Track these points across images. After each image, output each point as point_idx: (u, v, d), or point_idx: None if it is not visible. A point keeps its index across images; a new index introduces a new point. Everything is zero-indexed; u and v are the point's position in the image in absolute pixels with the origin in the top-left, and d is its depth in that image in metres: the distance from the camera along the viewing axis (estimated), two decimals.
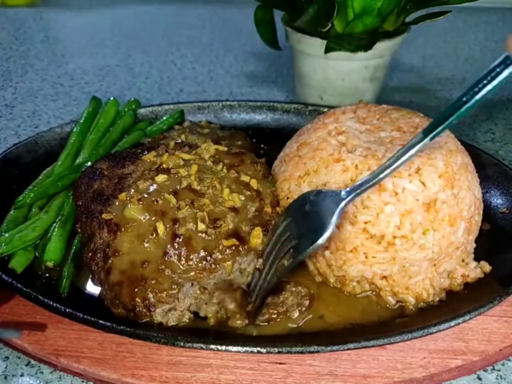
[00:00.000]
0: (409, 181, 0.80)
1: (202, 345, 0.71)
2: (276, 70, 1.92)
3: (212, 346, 0.71)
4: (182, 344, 0.71)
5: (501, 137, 1.46)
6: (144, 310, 0.75)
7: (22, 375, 0.76)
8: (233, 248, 0.79)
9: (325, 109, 1.24)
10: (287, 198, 0.91)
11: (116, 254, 0.78)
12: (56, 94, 1.73)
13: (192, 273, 0.77)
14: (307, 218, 0.77)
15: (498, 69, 0.62)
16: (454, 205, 0.82)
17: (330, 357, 0.75)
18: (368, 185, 0.74)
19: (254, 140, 1.24)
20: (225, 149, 0.99)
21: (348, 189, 0.76)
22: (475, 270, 0.87)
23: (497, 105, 1.65)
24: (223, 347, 0.71)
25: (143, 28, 2.45)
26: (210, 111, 1.33)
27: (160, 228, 0.78)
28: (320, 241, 0.71)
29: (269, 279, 0.78)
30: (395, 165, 0.72)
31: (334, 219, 0.73)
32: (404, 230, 0.79)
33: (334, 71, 1.34)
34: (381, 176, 0.73)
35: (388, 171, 0.73)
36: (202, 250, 0.78)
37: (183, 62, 2.03)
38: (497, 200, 1.01)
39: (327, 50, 1.25)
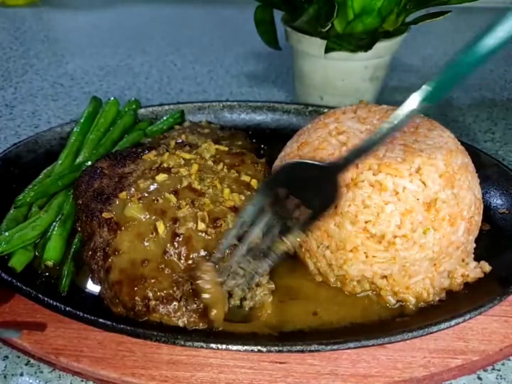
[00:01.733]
0: (410, 180, 0.80)
1: (202, 344, 0.71)
2: (276, 70, 1.92)
3: (212, 345, 0.71)
4: (182, 343, 0.71)
5: (501, 137, 1.46)
6: (143, 309, 0.74)
7: (21, 375, 0.76)
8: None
9: (325, 110, 1.24)
10: None
11: (116, 253, 0.78)
12: (56, 94, 1.73)
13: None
14: (308, 189, 0.75)
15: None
16: (455, 205, 0.82)
17: (330, 356, 0.75)
18: (361, 153, 0.72)
19: (254, 140, 1.24)
20: (226, 149, 0.99)
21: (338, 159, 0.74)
22: (475, 270, 0.87)
23: (497, 105, 1.66)
24: (223, 346, 0.70)
25: (143, 28, 2.45)
26: (210, 111, 1.32)
27: (160, 227, 0.78)
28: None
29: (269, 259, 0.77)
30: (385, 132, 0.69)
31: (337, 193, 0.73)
32: (404, 229, 0.79)
33: (334, 71, 1.34)
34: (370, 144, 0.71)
35: (379, 136, 0.70)
36: (202, 250, 0.78)
37: (183, 62, 2.03)
38: (497, 201, 1.02)
39: (327, 50, 1.25)
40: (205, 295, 0.75)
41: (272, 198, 0.76)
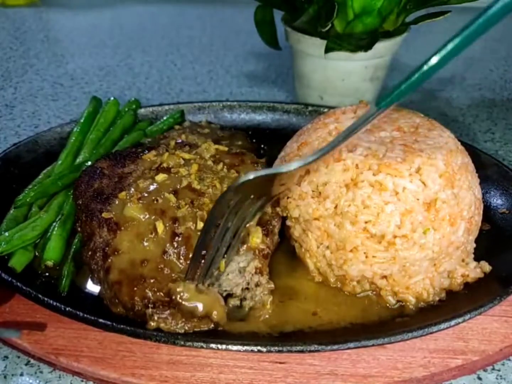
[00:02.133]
0: (410, 180, 0.80)
1: (202, 344, 0.71)
2: (276, 70, 1.92)
3: (212, 345, 0.71)
4: (182, 343, 0.71)
5: (501, 137, 1.46)
6: (143, 309, 0.74)
7: (21, 375, 0.76)
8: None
9: (325, 109, 1.24)
10: (288, 197, 0.91)
11: (116, 253, 0.78)
12: (56, 94, 1.73)
13: None
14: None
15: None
16: (455, 205, 0.82)
17: (330, 356, 0.75)
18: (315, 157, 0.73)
19: (254, 140, 1.24)
20: (226, 149, 0.99)
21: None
22: (475, 270, 0.87)
23: (497, 105, 1.66)
24: (223, 346, 0.71)
25: (143, 28, 2.45)
26: (210, 111, 1.33)
27: (160, 227, 0.78)
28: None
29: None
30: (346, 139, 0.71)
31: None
32: (404, 229, 0.79)
33: (334, 71, 1.34)
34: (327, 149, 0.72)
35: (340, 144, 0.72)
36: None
37: (183, 62, 2.03)
38: (497, 201, 1.02)
39: (327, 50, 1.25)
40: (199, 309, 0.74)
41: (226, 210, 0.76)
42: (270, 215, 0.87)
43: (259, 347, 0.70)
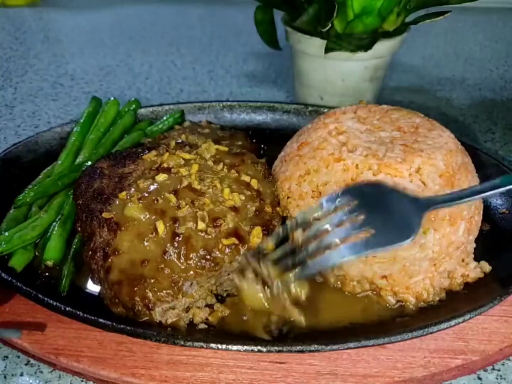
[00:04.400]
0: (410, 180, 0.80)
1: (202, 344, 0.71)
2: (276, 70, 1.93)
3: (212, 345, 0.71)
4: (182, 343, 0.71)
5: (501, 137, 1.46)
6: (143, 309, 0.74)
7: (21, 375, 0.76)
8: (233, 247, 0.79)
9: (325, 110, 1.24)
10: (288, 197, 0.91)
11: (116, 253, 0.78)
12: (56, 94, 1.73)
13: (192, 272, 0.77)
14: (385, 212, 0.75)
15: None
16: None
17: (330, 356, 0.75)
18: (451, 202, 0.74)
19: (254, 141, 1.24)
20: (226, 149, 0.99)
21: (427, 199, 0.76)
22: (475, 270, 0.87)
23: (497, 105, 1.66)
24: (223, 346, 0.70)
25: (143, 28, 2.45)
26: (210, 111, 1.33)
27: (160, 227, 0.78)
28: (406, 242, 0.71)
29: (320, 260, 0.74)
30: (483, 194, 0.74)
31: (418, 228, 0.72)
32: None
33: (334, 71, 1.34)
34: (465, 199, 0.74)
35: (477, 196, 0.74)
36: (201, 249, 0.78)
37: (183, 62, 2.04)
38: (497, 201, 1.01)
39: (327, 50, 1.25)
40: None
41: (345, 203, 0.75)
42: (271, 215, 0.87)
43: (259, 347, 0.70)
